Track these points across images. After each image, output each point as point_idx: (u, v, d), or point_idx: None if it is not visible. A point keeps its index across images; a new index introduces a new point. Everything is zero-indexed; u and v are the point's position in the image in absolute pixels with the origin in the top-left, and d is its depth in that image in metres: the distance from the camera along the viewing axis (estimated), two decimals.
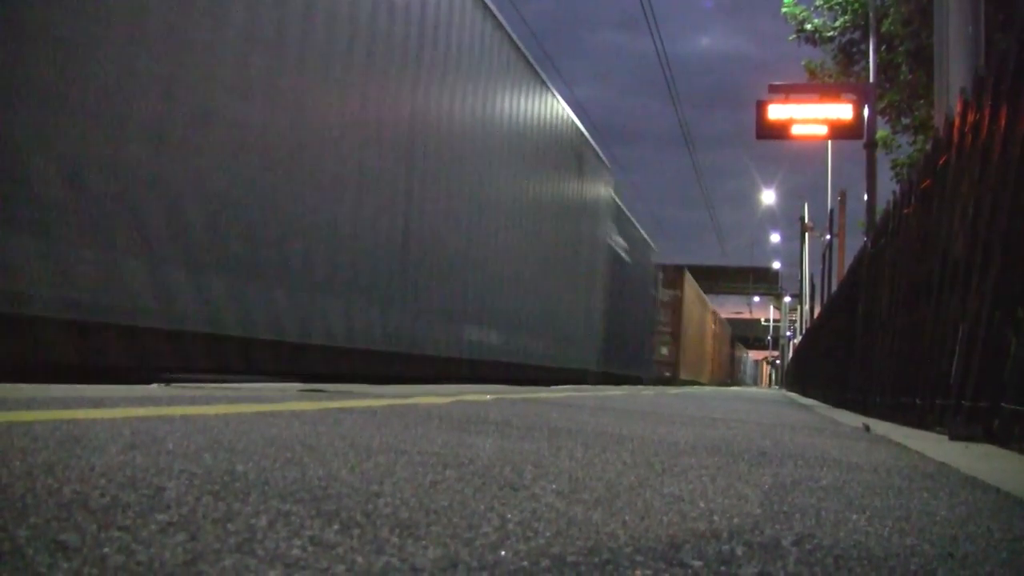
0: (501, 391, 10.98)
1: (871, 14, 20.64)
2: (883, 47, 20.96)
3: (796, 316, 65.15)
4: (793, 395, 27.69)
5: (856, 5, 22.36)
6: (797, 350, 45.64)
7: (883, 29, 20.64)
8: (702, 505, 2.49)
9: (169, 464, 2.47)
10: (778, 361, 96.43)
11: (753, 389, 57.47)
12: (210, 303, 8.42)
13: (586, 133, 23.46)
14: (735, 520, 2.27)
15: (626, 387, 23.04)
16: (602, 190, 26.41)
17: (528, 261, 19.01)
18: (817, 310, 38.30)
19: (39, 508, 1.76)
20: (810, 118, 20.73)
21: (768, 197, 63.78)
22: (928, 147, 10.29)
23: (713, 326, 67.59)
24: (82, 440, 2.82)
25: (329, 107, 10.42)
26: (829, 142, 33.88)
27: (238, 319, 8.89)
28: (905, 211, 9.48)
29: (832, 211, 40.20)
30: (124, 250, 7.24)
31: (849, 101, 20.48)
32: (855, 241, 28.44)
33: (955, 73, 10.03)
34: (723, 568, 1.71)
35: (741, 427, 6.74)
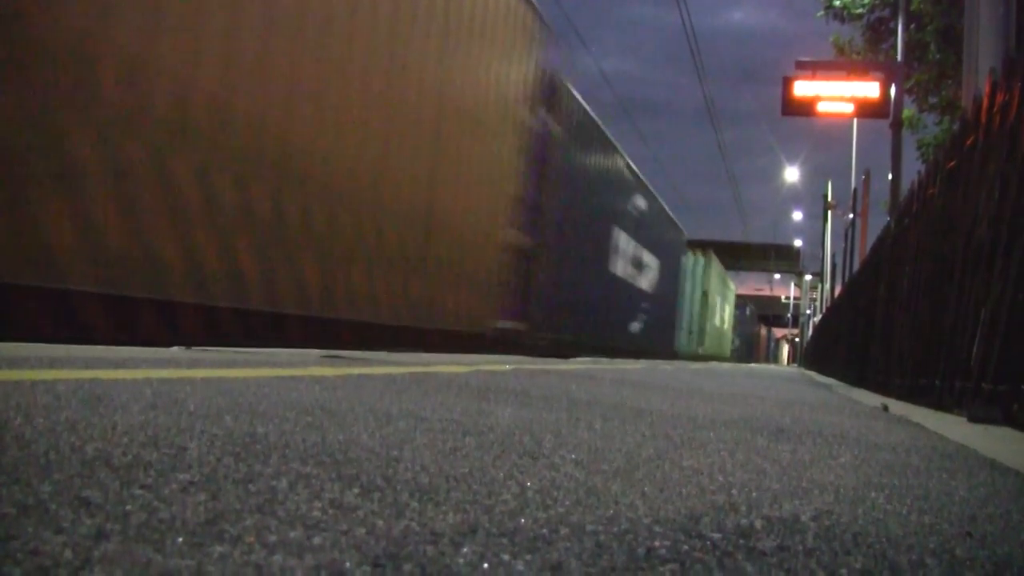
0: (519, 362, 11.00)
1: None
2: (912, 26, 20.77)
3: (816, 294, 64.79)
4: (812, 374, 27.64)
5: None
6: (817, 329, 45.40)
7: (912, 8, 20.45)
8: (721, 479, 2.49)
9: (191, 424, 2.48)
10: (797, 339, 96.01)
11: (772, 367, 57.28)
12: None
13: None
14: (754, 494, 2.27)
15: (643, 360, 23.05)
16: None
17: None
18: (838, 289, 38.11)
19: (62, 465, 1.77)
20: (836, 96, 20.55)
21: (792, 175, 63.43)
22: (955, 128, 10.21)
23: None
24: (105, 399, 2.84)
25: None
26: (855, 120, 33.63)
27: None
28: (930, 191, 9.42)
29: (856, 190, 39.93)
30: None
31: (876, 80, 20.29)
32: (878, 221, 28.24)
33: (984, 53, 9.93)
34: (742, 541, 1.71)
35: (759, 403, 6.73)
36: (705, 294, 46.64)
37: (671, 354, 38.46)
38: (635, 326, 31.79)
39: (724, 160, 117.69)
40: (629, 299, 30.02)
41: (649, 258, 32.65)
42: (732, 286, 64.24)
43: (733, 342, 65.35)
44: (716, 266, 50.78)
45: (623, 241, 27.86)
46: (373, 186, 11.31)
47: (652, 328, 34.97)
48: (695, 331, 45.42)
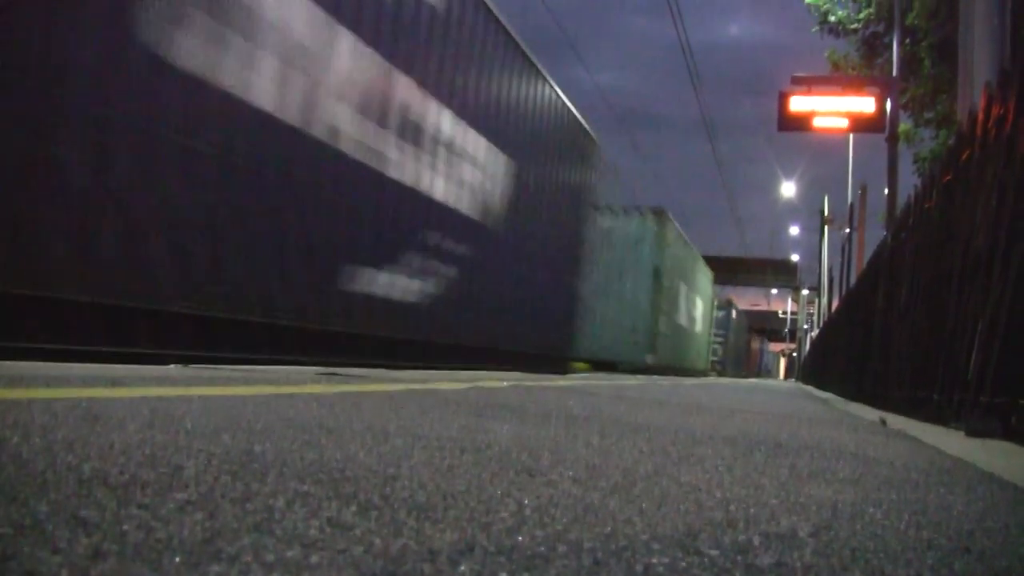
0: (517, 378, 10.99)
1: (895, 6, 20.52)
2: (907, 40, 20.83)
3: (814, 309, 64.77)
4: (809, 388, 27.63)
5: None
6: (814, 343, 45.32)
7: (907, 22, 20.52)
8: (719, 495, 2.49)
9: (187, 443, 2.48)
10: (795, 354, 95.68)
11: (770, 381, 57.09)
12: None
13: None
14: (752, 510, 2.27)
15: (640, 376, 23.03)
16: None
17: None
18: (835, 303, 38.10)
19: (59, 484, 1.77)
20: (832, 111, 20.59)
21: (788, 189, 63.49)
22: (951, 141, 10.23)
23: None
24: (101, 418, 2.84)
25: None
26: (851, 135, 33.70)
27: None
28: (926, 205, 9.44)
29: (852, 204, 40.00)
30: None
31: (872, 94, 20.34)
32: (875, 235, 28.28)
33: (980, 66, 9.95)
34: (739, 558, 1.71)
35: (757, 418, 6.73)
36: (658, 274, 31.75)
37: (564, 361, 21.72)
38: (404, 284, 13.07)
39: (720, 174, 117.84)
40: (372, 207, 12.06)
41: (472, 140, 14.96)
42: (709, 273, 48.32)
43: (714, 352, 55.44)
44: (676, 237, 34.91)
45: (348, 45, 10.77)
46: None
47: (491, 301, 16.73)
48: (639, 330, 31.24)
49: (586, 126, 22.08)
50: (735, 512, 2.22)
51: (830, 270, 50.56)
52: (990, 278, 6.35)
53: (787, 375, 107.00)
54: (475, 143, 15.03)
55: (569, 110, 20.71)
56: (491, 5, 15.44)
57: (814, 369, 35.00)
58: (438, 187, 13.67)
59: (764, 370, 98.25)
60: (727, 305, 63.94)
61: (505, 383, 8.79)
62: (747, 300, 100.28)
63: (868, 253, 20.38)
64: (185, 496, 1.77)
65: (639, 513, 2.08)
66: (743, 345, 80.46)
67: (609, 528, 1.87)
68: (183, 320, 8.47)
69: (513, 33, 16.60)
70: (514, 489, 2.25)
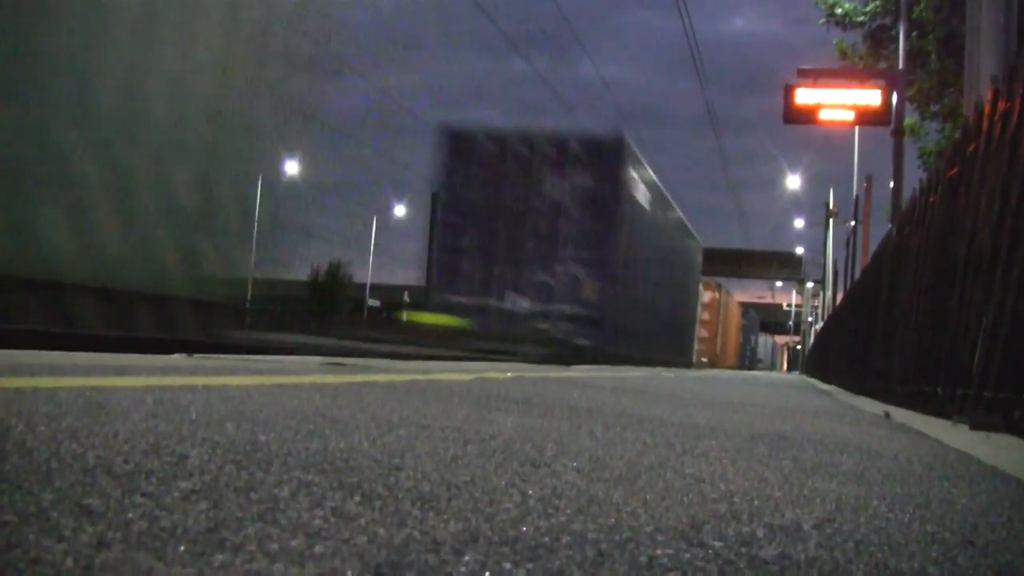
0: (521, 369, 10.99)
1: (902, 0, 20.47)
2: (913, 33, 20.78)
3: (818, 302, 64.48)
4: (813, 381, 27.60)
5: None
6: (818, 336, 45.22)
7: (914, 15, 20.46)
8: (722, 487, 2.49)
9: (192, 432, 2.48)
10: (799, 347, 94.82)
11: (773, 374, 56.89)
12: None
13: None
14: (755, 502, 2.27)
15: (645, 369, 23.04)
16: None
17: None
18: (840, 297, 38.02)
19: (64, 473, 1.77)
20: (838, 103, 20.57)
21: (793, 182, 63.19)
22: (956, 135, 10.22)
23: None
24: (106, 407, 2.84)
25: None
26: (856, 128, 33.64)
27: None
28: (931, 199, 9.42)
29: (857, 198, 39.94)
30: None
31: (878, 87, 20.30)
32: (880, 228, 28.18)
33: (986, 61, 9.94)
34: (743, 549, 1.71)
35: (761, 411, 6.73)
36: None
37: None
38: None
39: (725, 168, 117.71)
40: None
41: None
42: None
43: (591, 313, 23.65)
44: None
45: None
46: None
47: None
48: None
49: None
50: (739, 504, 2.22)
51: (834, 263, 50.48)
52: (994, 273, 6.34)
53: (789, 368, 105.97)
54: None
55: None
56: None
57: (818, 362, 34.96)
58: None
59: (753, 362, 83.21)
60: (651, 186, 27.68)
61: (509, 374, 8.80)
62: (751, 293, 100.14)
63: (873, 246, 20.36)
64: (189, 485, 1.77)
65: (643, 505, 2.08)
66: (690, 299, 43.45)
67: (613, 519, 1.87)
68: None
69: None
70: (518, 480, 2.25)
